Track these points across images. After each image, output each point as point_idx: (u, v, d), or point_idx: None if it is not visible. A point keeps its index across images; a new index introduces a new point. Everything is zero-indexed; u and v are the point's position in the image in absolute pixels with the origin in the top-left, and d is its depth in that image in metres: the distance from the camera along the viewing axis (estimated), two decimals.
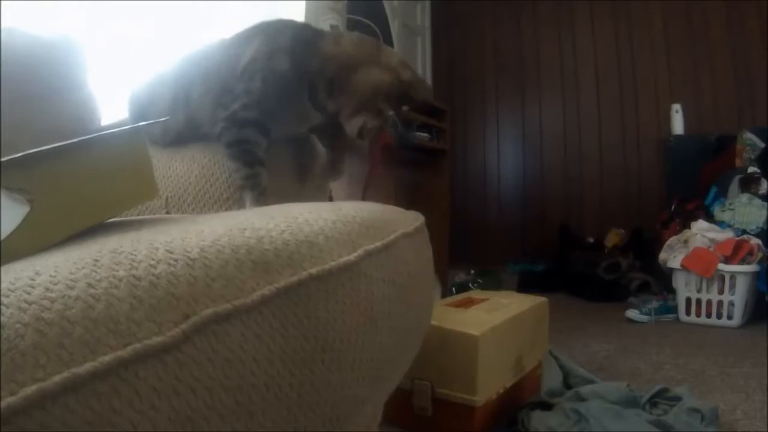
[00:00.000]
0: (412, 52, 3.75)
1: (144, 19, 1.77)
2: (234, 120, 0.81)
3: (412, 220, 0.63)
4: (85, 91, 1.07)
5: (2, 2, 1.18)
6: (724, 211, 2.62)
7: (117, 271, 0.34)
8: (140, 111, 0.97)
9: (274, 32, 0.86)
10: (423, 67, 3.92)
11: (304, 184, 0.92)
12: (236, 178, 0.82)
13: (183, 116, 0.92)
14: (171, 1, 1.85)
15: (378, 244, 0.51)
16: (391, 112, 0.82)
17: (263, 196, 0.80)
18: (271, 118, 0.82)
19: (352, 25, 2.01)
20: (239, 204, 0.85)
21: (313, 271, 0.42)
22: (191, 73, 0.92)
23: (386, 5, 2.37)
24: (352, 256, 0.47)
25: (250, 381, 0.35)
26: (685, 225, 2.65)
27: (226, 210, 0.86)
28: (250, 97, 0.81)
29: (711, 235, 2.46)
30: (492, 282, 2.89)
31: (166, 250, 0.37)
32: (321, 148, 0.96)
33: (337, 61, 0.82)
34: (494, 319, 1.31)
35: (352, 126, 0.84)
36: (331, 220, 0.50)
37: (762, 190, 2.59)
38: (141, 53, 1.70)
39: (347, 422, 0.45)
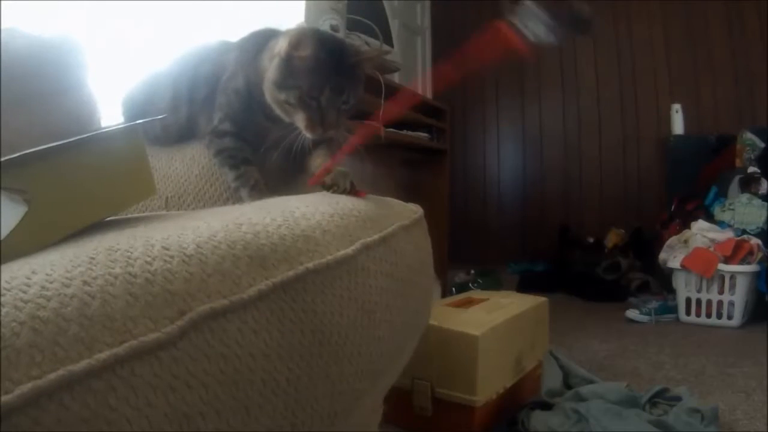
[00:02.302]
0: (412, 52, 3.75)
1: (144, 19, 1.77)
2: (215, 132, 0.86)
3: (411, 212, 0.63)
4: (85, 91, 1.06)
5: (2, 2, 1.18)
6: (724, 211, 2.61)
7: (113, 268, 0.34)
8: (137, 110, 0.97)
9: (247, 46, 0.88)
10: (423, 67, 3.91)
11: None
12: (229, 182, 0.85)
13: (186, 114, 0.92)
14: (171, 1, 1.85)
15: (376, 237, 0.51)
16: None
17: (256, 189, 0.82)
18: (243, 129, 0.85)
19: (352, 25, 2.00)
20: (239, 203, 0.85)
21: (310, 265, 0.42)
22: (194, 72, 0.92)
23: (386, 5, 2.37)
24: (350, 250, 0.47)
25: (246, 376, 0.35)
26: (685, 225, 2.65)
27: None
28: (224, 110, 0.85)
29: (711, 235, 2.46)
30: (492, 282, 2.89)
31: (162, 247, 0.37)
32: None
33: (262, 76, 0.81)
34: (494, 319, 1.30)
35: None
36: (329, 214, 0.50)
37: (762, 190, 2.59)
38: (141, 53, 1.69)
39: (345, 416, 0.44)
